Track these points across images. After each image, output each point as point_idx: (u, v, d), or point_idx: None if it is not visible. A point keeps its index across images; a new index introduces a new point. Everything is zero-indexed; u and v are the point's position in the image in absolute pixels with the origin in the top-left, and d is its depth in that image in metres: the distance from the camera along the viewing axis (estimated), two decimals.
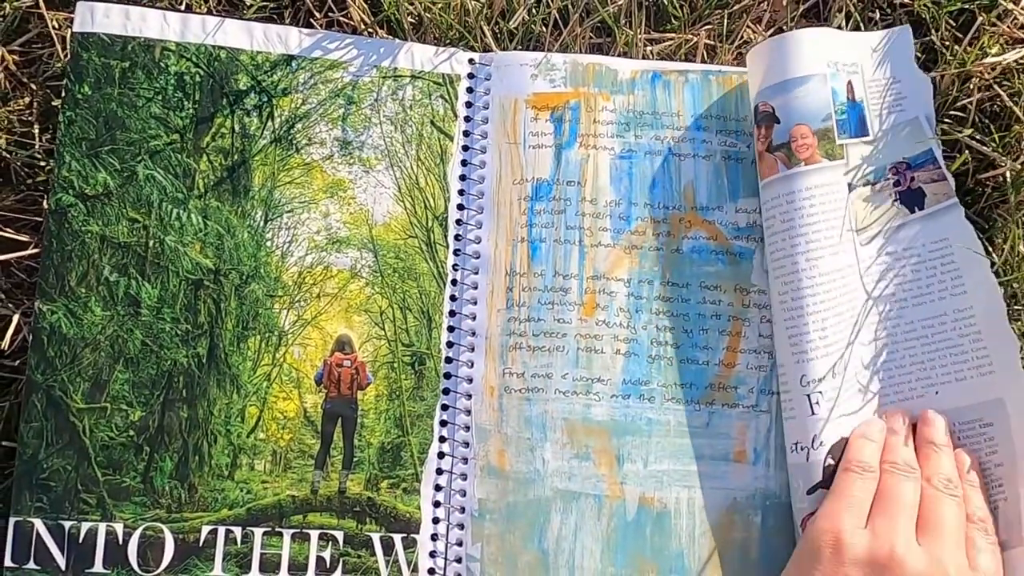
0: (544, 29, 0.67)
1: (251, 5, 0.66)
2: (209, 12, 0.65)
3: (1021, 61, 0.64)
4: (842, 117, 0.62)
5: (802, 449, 0.59)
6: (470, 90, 0.65)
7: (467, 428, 0.62)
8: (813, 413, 0.59)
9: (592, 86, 0.65)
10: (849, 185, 0.62)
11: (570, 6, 0.67)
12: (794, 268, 0.60)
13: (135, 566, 0.59)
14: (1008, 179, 0.63)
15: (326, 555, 0.60)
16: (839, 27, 0.67)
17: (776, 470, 0.61)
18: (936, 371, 0.60)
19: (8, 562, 0.58)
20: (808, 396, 0.59)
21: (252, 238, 0.63)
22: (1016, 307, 0.63)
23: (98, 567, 0.58)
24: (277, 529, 0.60)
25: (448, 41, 0.67)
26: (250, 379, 0.61)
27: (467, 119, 0.65)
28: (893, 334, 0.61)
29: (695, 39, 0.67)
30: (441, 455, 0.62)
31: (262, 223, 0.63)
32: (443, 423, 0.62)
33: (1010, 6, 0.66)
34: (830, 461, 0.58)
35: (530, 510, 0.61)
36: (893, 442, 0.59)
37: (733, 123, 0.65)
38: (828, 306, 0.60)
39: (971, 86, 0.65)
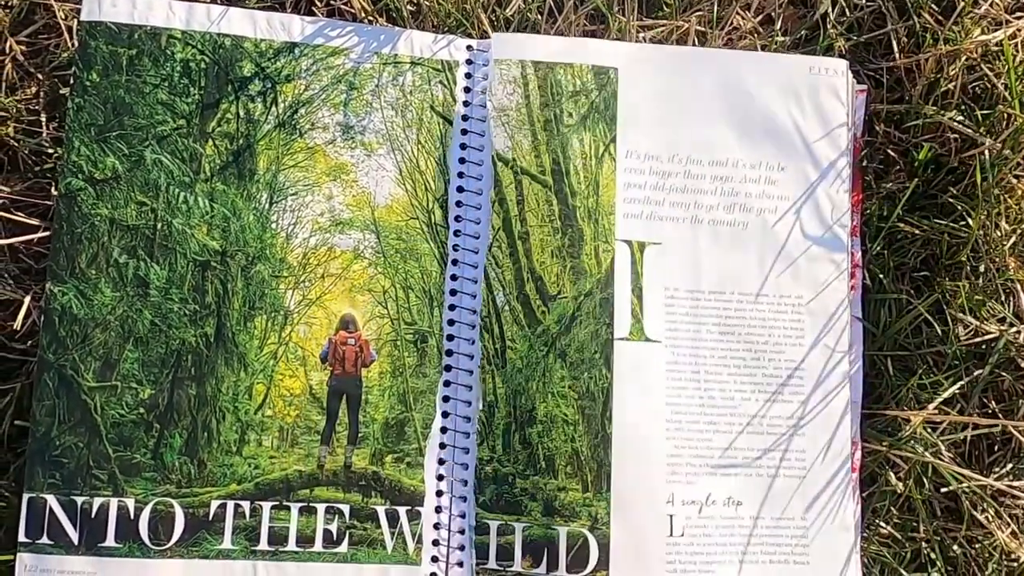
0: (540, 16, 0.69)
1: None
2: (213, 1, 0.67)
3: (1009, 41, 0.66)
4: None
5: None
6: (468, 75, 0.67)
7: (468, 403, 0.63)
8: None
9: None
10: None
11: None
12: None
13: (146, 540, 0.60)
14: (990, 157, 0.65)
15: (333, 528, 0.61)
16: (826, 13, 0.69)
17: None
18: None
19: (22, 537, 0.59)
20: None
21: (257, 220, 0.64)
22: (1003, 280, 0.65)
23: (110, 541, 0.60)
24: (285, 503, 0.61)
25: (446, 28, 0.68)
26: (257, 357, 0.63)
27: (466, 104, 0.67)
28: None
29: (686, 25, 0.69)
30: (444, 430, 0.63)
31: (267, 206, 0.64)
32: (445, 399, 0.64)
33: None
34: None
35: None
36: None
37: None
38: None
39: (955, 68, 0.67)
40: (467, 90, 0.67)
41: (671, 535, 0.61)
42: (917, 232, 0.67)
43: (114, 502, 0.60)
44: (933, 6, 0.69)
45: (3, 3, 0.68)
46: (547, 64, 0.66)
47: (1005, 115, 0.66)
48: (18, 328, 0.64)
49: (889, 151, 0.69)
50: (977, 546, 0.65)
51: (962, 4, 0.68)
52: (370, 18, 0.68)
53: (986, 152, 0.66)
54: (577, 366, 0.63)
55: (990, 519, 0.64)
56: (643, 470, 0.62)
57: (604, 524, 0.61)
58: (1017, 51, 0.67)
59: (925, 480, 0.64)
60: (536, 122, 0.66)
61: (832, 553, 0.61)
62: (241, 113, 0.65)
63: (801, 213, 0.65)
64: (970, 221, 0.66)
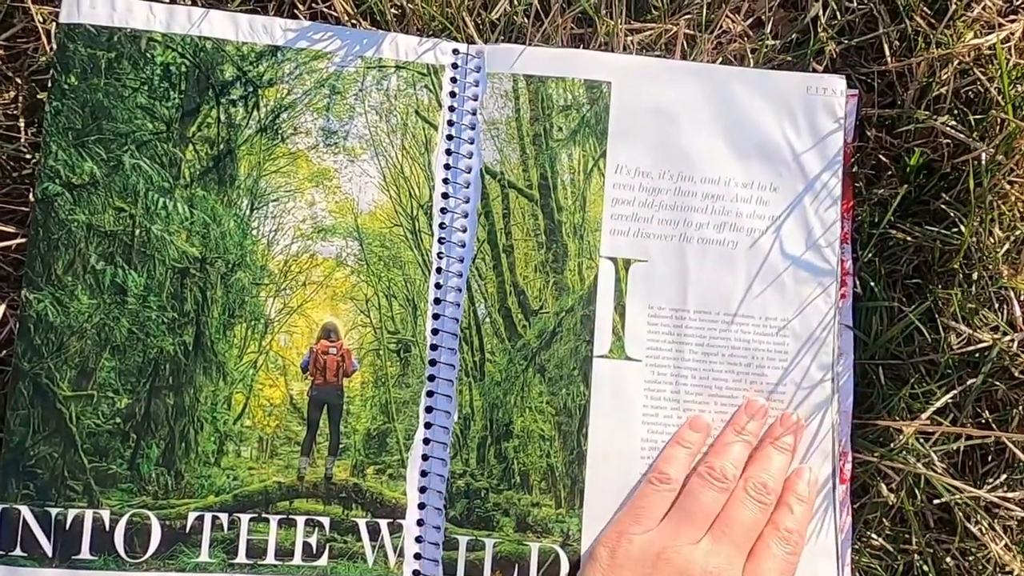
0: (526, 20, 0.68)
1: None
2: (194, 3, 0.66)
3: (1001, 44, 0.65)
4: None
5: None
6: (454, 80, 0.66)
7: (451, 414, 0.62)
8: None
9: None
10: None
11: None
12: None
13: (122, 552, 0.59)
14: (983, 162, 0.64)
15: (312, 541, 0.60)
16: (817, 16, 0.68)
17: None
18: None
19: None
20: None
21: (238, 227, 0.63)
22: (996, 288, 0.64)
23: (85, 553, 0.58)
24: (263, 515, 0.60)
25: (431, 32, 0.67)
26: (236, 366, 0.62)
27: (451, 109, 0.66)
28: None
29: (675, 29, 0.68)
30: (426, 441, 0.62)
31: (248, 212, 0.63)
32: (428, 409, 0.63)
33: None
34: None
35: None
36: (718, 446, 0.61)
37: None
38: None
39: (947, 72, 0.66)
40: (452, 95, 0.66)
41: None
42: (909, 239, 0.66)
43: (89, 513, 0.59)
44: (925, 9, 0.68)
45: None
46: (539, 78, 0.65)
47: (998, 120, 0.65)
48: None
49: (881, 156, 0.68)
50: (970, 558, 0.63)
51: (954, 7, 0.67)
52: (353, 21, 0.67)
53: (980, 157, 0.64)
54: (556, 382, 0.62)
55: (983, 531, 0.63)
56: (617, 488, 0.61)
57: (576, 540, 0.60)
58: (1010, 55, 0.66)
59: (917, 491, 0.63)
60: (525, 136, 0.65)
61: None
62: (222, 118, 0.64)
63: (792, 234, 0.64)
64: (963, 228, 0.65)
